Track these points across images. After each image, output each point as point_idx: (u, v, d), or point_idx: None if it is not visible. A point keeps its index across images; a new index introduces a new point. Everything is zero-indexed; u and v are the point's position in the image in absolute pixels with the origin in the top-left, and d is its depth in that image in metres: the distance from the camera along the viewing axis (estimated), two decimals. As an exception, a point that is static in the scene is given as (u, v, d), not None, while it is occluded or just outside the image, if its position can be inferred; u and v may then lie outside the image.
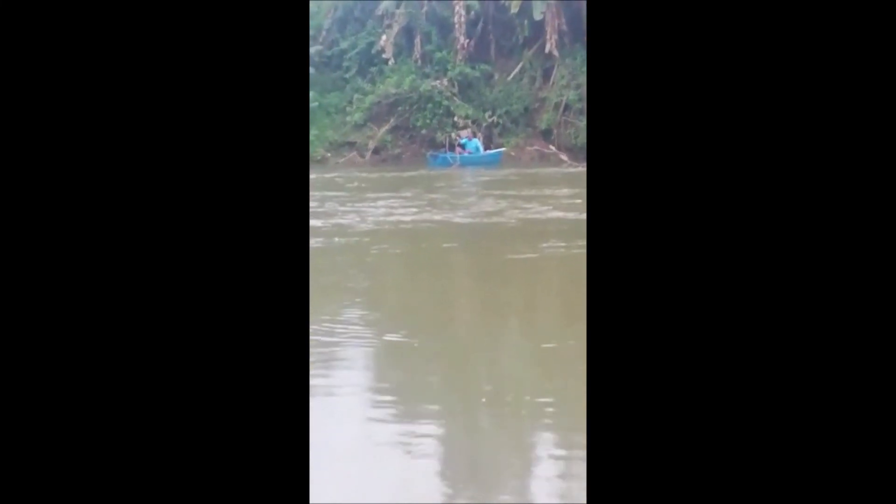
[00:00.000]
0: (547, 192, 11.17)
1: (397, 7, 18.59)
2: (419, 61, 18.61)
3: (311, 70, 17.16)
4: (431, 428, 3.08)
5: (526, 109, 18.40)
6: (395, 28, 18.44)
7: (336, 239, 7.54)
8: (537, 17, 17.57)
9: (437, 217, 9.02)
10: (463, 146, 17.23)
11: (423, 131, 18.26)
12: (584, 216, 8.03)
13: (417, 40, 18.65)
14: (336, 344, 4.12)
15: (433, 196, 11.06)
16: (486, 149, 17.75)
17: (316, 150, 17.04)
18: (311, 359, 3.06)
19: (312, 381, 2.83)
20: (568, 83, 17.96)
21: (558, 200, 9.98)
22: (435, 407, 3.31)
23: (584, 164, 15.75)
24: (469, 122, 17.92)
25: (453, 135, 17.49)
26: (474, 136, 17.69)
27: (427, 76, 18.45)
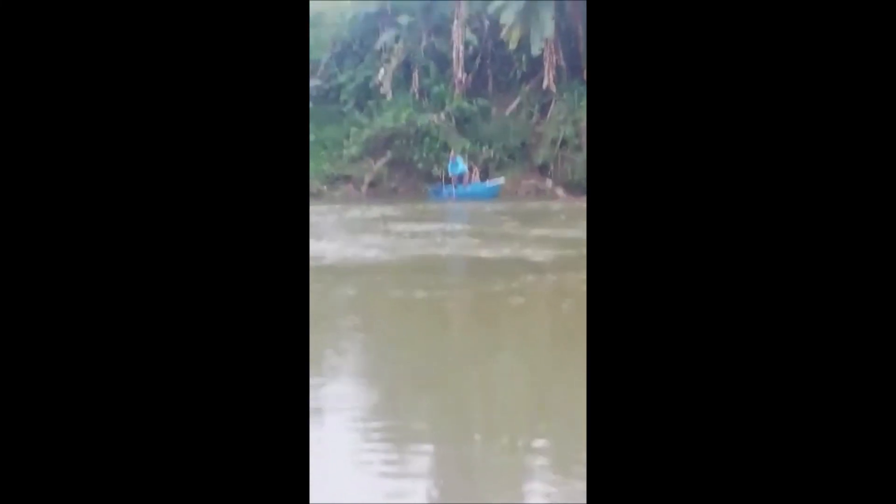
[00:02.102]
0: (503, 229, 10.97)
1: (396, 42, 18.73)
2: (417, 95, 18.70)
3: (309, 103, 17.23)
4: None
5: (523, 144, 18.41)
6: (394, 62, 18.55)
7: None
8: (535, 52, 17.65)
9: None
10: (451, 178, 17.16)
11: (420, 165, 18.25)
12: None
13: (415, 75, 18.76)
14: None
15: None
16: (482, 182, 17.74)
17: (312, 183, 16.99)
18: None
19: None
20: (565, 119, 17.97)
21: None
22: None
23: (580, 200, 15.80)
24: (466, 155, 17.93)
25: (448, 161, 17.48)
26: (470, 170, 17.68)
27: (424, 110, 18.49)
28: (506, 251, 8.39)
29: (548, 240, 9.31)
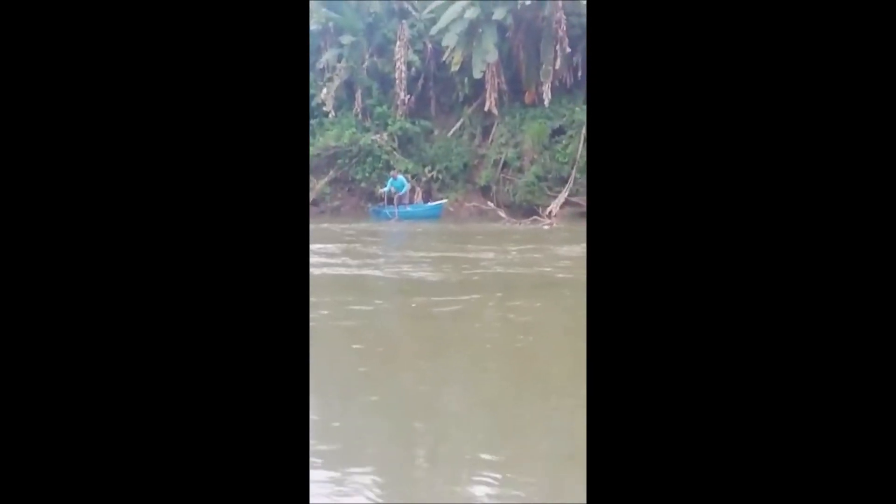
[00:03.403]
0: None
1: (338, 61, 18.68)
2: (360, 115, 18.68)
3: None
4: None
5: (465, 166, 18.54)
6: (336, 82, 18.50)
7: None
8: (477, 75, 17.84)
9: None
10: (392, 196, 17.15)
11: (363, 184, 18.24)
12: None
13: (358, 94, 18.74)
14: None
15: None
16: (425, 202, 17.79)
17: (252, 202, 16.75)
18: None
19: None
20: (507, 141, 18.20)
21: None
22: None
23: (521, 221, 15.98)
24: (409, 175, 17.97)
25: (389, 178, 17.44)
26: (412, 190, 17.73)
27: (367, 130, 18.50)
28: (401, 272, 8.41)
29: (466, 260, 9.34)
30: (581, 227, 15.53)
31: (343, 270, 8.46)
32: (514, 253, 9.94)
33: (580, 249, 10.36)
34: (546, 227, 15.52)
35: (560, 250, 10.38)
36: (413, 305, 6.63)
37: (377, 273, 8.41)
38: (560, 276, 7.81)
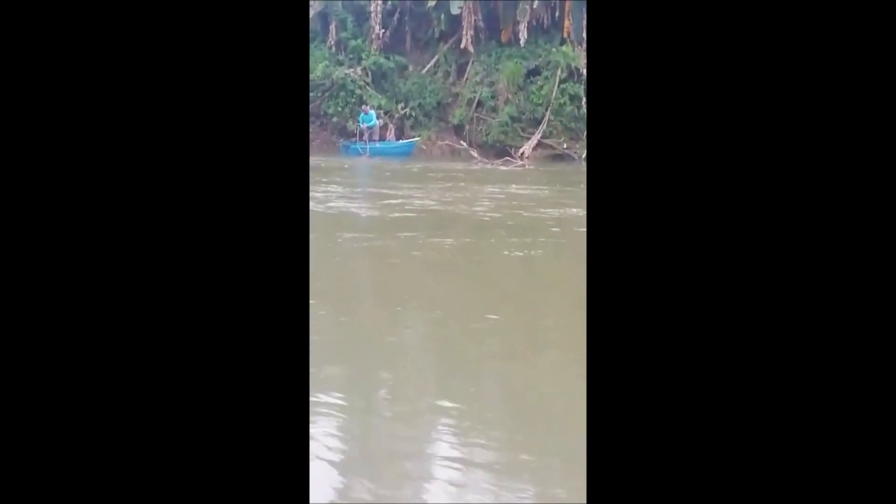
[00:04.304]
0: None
1: (313, -8, 18.34)
2: (333, 48, 18.45)
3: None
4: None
5: (439, 104, 18.38)
6: (311, 13, 18.16)
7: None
8: (454, 11, 17.56)
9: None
10: (363, 131, 17.09)
11: (335, 119, 18.11)
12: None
13: (333, 27, 18.46)
14: None
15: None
16: (397, 140, 17.71)
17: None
18: None
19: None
20: (482, 80, 18.00)
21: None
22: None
23: (492, 162, 15.90)
24: (381, 111, 17.83)
25: (360, 113, 17.35)
26: (385, 127, 17.62)
27: (341, 64, 18.28)
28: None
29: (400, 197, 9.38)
30: (552, 169, 15.60)
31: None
32: (466, 194, 9.97)
33: (497, 189, 10.42)
34: (517, 168, 15.48)
35: (486, 189, 10.43)
36: (339, 241, 6.70)
37: (319, 208, 8.47)
38: (488, 217, 7.86)
